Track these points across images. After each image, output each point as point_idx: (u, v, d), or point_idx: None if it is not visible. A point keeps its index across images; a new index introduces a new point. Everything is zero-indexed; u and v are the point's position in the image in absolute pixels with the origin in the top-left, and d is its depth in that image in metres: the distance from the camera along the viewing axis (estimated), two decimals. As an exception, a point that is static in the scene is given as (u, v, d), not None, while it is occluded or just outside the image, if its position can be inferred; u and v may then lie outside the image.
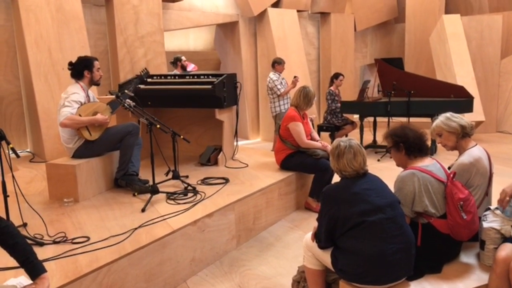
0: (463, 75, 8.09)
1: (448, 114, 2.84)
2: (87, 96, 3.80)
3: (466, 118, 2.82)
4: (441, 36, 8.57)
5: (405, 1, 9.95)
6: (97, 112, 3.70)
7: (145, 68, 4.40)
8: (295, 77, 6.33)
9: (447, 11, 9.59)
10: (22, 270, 2.00)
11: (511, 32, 8.81)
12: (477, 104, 7.16)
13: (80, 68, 3.75)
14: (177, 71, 6.54)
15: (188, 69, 6.73)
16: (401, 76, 7.02)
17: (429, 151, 2.56)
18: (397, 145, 2.53)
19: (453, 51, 8.28)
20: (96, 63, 3.82)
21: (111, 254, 2.59)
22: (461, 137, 2.74)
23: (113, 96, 3.82)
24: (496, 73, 8.68)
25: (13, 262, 2.02)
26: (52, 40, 5.15)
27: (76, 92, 3.67)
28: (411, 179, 2.37)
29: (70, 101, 3.59)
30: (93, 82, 3.85)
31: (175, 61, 6.60)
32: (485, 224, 2.40)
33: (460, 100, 6.61)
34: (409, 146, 2.49)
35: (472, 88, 7.54)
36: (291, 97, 4.88)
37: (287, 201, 4.32)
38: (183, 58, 6.65)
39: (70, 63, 3.76)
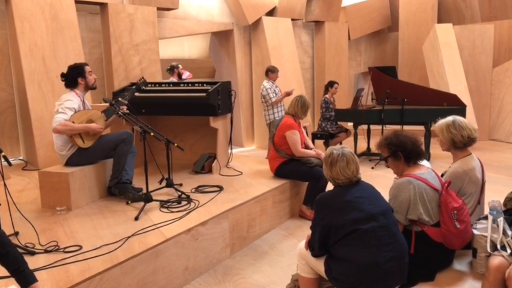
0: (455, 83, 8.17)
1: (451, 121, 2.73)
2: (83, 102, 3.79)
3: (468, 131, 2.67)
4: (434, 45, 8.66)
5: (399, 11, 10.06)
6: (91, 119, 3.69)
7: (143, 77, 4.41)
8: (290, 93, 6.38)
9: (439, 20, 9.70)
10: (12, 280, 1.98)
11: (502, 41, 8.92)
12: (469, 112, 7.22)
13: (73, 77, 3.75)
14: (173, 79, 6.58)
15: (183, 76, 6.76)
16: (395, 84, 7.07)
17: (426, 155, 2.56)
18: (395, 154, 2.52)
19: (445, 60, 8.37)
20: (87, 68, 3.82)
21: (103, 263, 2.57)
22: (453, 147, 2.77)
23: (107, 104, 3.82)
24: (489, 81, 8.76)
25: (3, 272, 2.00)
26: (47, 48, 5.15)
27: (70, 99, 3.67)
28: (407, 186, 2.38)
29: (64, 107, 3.58)
30: (88, 87, 3.85)
31: (172, 69, 6.65)
32: (476, 232, 2.42)
33: (453, 108, 6.65)
34: (408, 154, 2.49)
35: (464, 97, 7.61)
36: (285, 105, 4.89)
37: (281, 209, 4.32)
38: (180, 66, 6.73)
39: (62, 74, 3.77)
